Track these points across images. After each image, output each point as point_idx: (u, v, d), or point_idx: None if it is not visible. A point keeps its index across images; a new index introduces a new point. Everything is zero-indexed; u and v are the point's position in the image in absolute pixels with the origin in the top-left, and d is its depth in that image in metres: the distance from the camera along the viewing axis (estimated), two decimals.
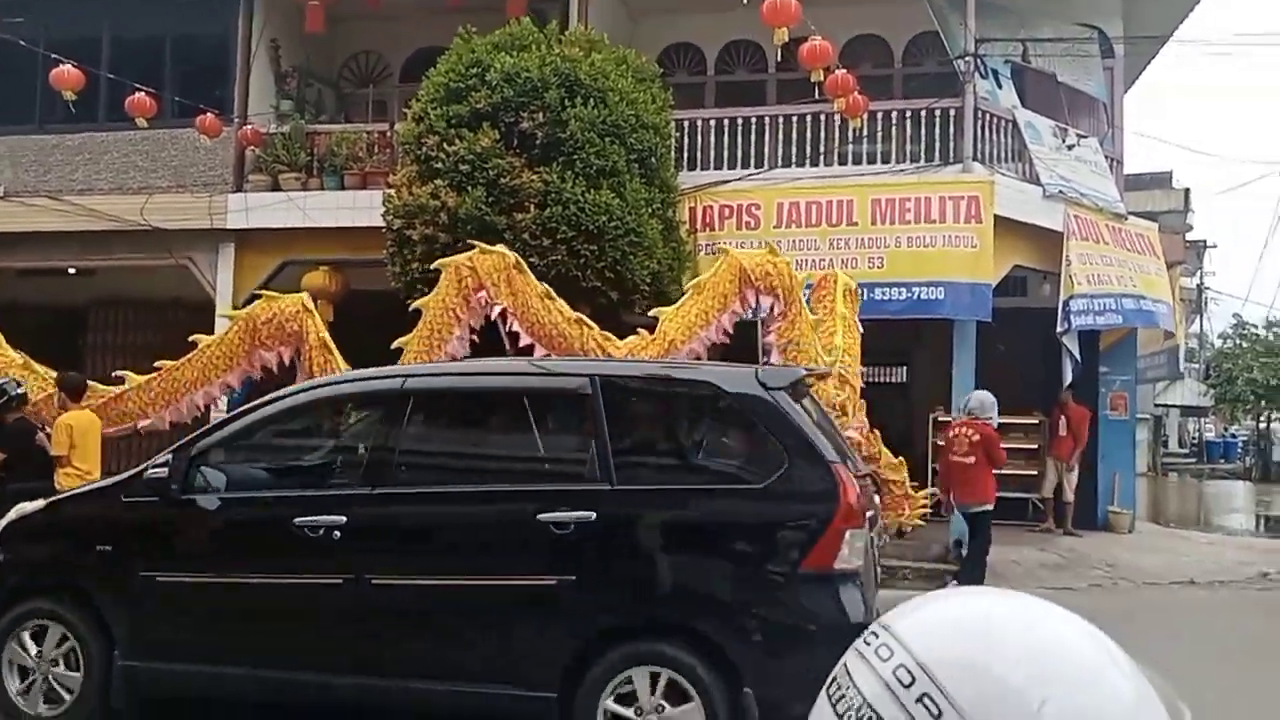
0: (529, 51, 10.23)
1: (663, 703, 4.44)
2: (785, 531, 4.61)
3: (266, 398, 5.65)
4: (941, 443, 10.75)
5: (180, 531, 5.29)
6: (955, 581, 9.19)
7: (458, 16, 11.19)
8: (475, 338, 8.39)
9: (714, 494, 4.81)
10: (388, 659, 4.84)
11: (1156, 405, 28.86)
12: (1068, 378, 11.78)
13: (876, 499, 5.41)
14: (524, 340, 8.15)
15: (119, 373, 9.27)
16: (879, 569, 5.41)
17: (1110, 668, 0.80)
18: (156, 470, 5.23)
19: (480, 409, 5.74)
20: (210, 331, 12.47)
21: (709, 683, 4.40)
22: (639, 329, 8.60)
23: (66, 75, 10.69)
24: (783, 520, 4.61)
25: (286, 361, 8.75)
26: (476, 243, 8.53)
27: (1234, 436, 40.70)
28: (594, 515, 4.64)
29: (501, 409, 5.64)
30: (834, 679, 0.83)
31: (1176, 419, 40.58)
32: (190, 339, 8.95)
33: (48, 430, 8.46)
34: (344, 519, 4.90)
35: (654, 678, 4.48)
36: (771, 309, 8.42)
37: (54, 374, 8.99)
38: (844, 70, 10.40)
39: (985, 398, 9.21)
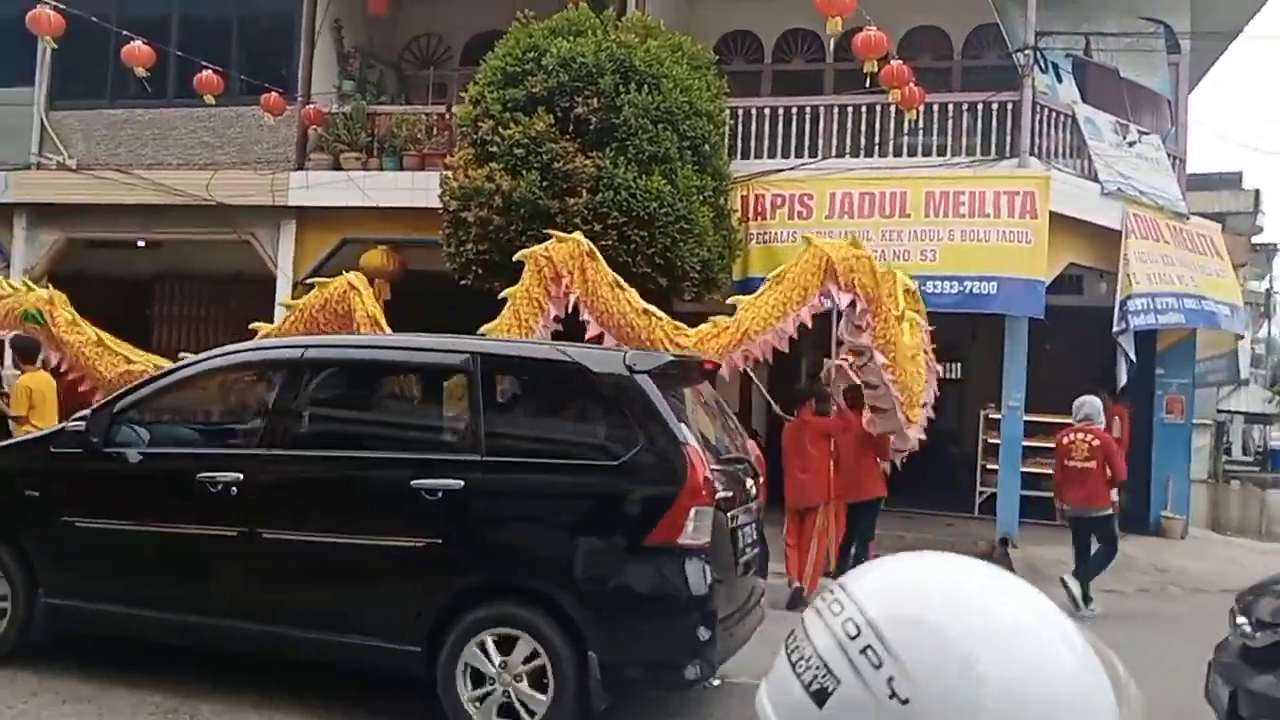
0: (585, 37, 10.30)
1: (508, 659, 4.84)
2: (636, 506, 4.92)
3: (182, 361, 6.21)
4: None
5: (97, 481, 5.74)
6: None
7: (517, 0, 11.30)
8: (560, 326, 8.42)
9: (573, 468, 5.14)
10: (275, 608, 5.25)
11: (1220, 411, 28.21)
12: (1123, 379, 11.62)
13: (751, 484, 5.63)
14: (593, 329, 8.19)
15: (183, 353, 9.52)
16: (763, 547, 5.87)
17: (1053, 637, 0.85)
18: (77, 425, 5.72)
19: (370, 380, 6.11)
20: (271, 306, 12.85)
21: (557, 644, 4.78)
22: (696, 317, 8.63)
23: (138, 52, 10.97)
24: (634, 495, 4.93)
25: None
26: (553, 232, 8.52)
27: None
28: (462, 484, 4.99)
29: (389, 381, 6.06)
30: (792, 634, 0.90)
31: (1241, 426, 39.63)
32: (250, 327, 9.11)
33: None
34: (240, 476, 5.31)
35: (509, 638, 4.85)
36: (853, 305, 8.31)
37: (126, 349, 9.24)
38: (900, 61, 10.33)
39: (1098, 403, 9.15)
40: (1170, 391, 12.85)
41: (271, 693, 5.39)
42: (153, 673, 5.60)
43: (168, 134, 13.87)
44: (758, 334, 8.24)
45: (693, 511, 4.76)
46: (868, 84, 10.92)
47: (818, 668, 0.85)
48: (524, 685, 4.84)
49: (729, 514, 5.19)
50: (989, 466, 12.72)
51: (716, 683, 5.21)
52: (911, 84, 10.49)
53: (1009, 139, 11.54)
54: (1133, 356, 11.51)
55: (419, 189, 11.88)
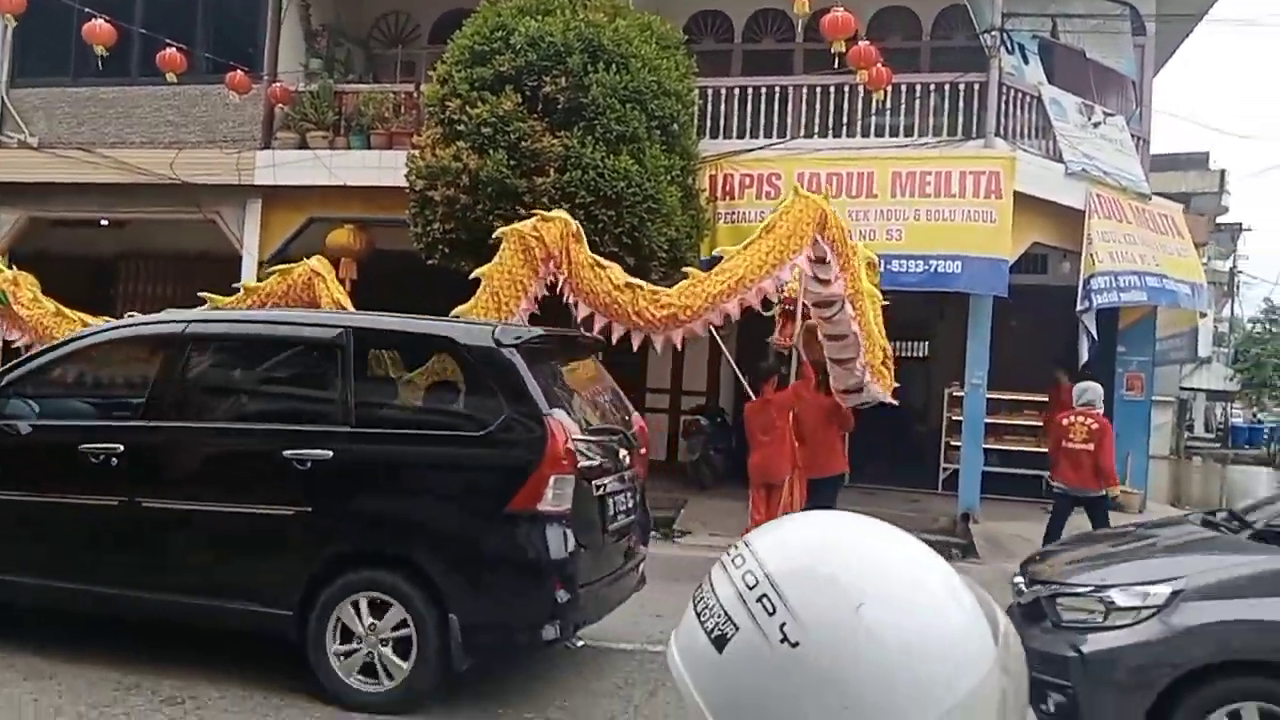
0: (553, 16, 10.28)
1: (377, 622, 5.07)
2: (498, 474, 5.13)
3: (70, 335, 6.34)
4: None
5: None
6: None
7: None
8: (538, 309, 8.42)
9: (440, 439, 5.35)
10: (156, 575, 5.41)
11: (1183, 389, 28.64)
12: (1084, 357, 11.77)
13: (625, 455, 5.80)
14: (583, 310, 8.16)
15: (131, 313, 9.48)
16: (643, 515, 6.13)
17: (937, 587, 0.91)
18: None
19: (249, 354, 6.26)
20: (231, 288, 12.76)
21: (421, 609, 5.01)
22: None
23: (99, 30, 10.85)
24: (496, 464, 5.14)
25: None
26: (538, 211, 8.42)
27: (1260, 422, 40.35)
28: (330, 454, 5.18)
29: (267, 355, 6.16)
30: (699, 587, 0.95)
31: (1204, 403, 40.25)
32: (199, 295, 9.06)
33: None
34: (121, 447, 5.47)
35: (383, 603, 5.04)
36: (823, 261, 8.36)
37: (84, 317, 9.19)
38: (868, 42, 10.38)
39: (1100, 390, 9.40)
40: (1130, 369, 13.05)
41: (225, 668, 5.44)
42: (110, 649, 5.64)
43: (131, 112, 13.72)
44: (754, 280, 8.18)
45: (553, 480, 4.97)
46: (836, 64, 10.99)
47: (719, 616, 0.91)
48: (388, 650, 5.07)
49: (596, 483, 5.39)
50: (953, 443, 12.89)
51: (580, 643, 5.47)
52: (879, 64, 10.55)
53: (975, 120, 11.63)
54: (1094, 334, 11.67)
55: (386, 168, 11.83)
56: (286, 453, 5.23)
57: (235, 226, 13.31)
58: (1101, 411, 9.37)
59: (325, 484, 5.22)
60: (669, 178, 10.22)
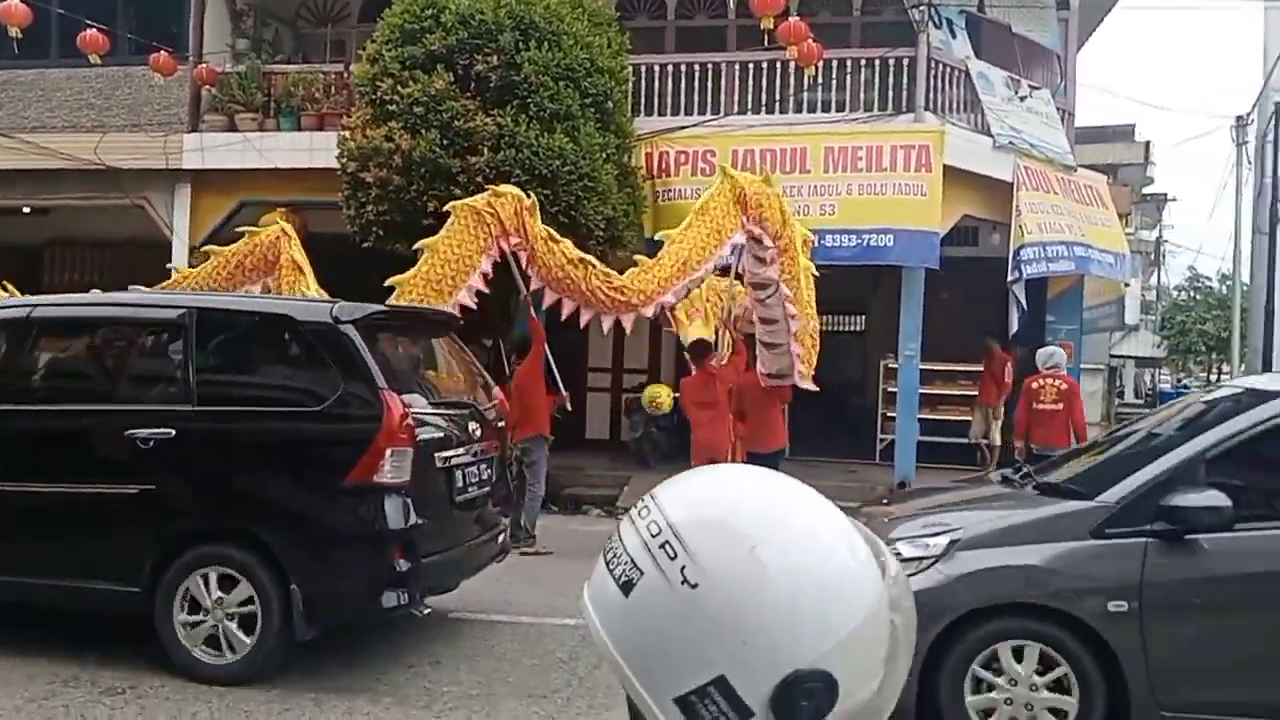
0: None
1: (225, 596, 5.19)
2: (336, 448, 5.26)
3: None
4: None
5: None
6: None
7: None
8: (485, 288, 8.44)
9: (279, 415, 5.47)
10: (11, 558, 5.48)
11: (1112, 356, 29.36)
12: (1014, 326, 12.05)
13: (475, 428, 5.93)
14: (535, 283, 8.24)
15: (94, 290, 9.32)
16: (502, 486, 6.35)
17: (827, 530, 0.98)
18: None
19: (94, 336, 6.31)
20: (168, 274, 12.56)
21: (265, 582, 5.13)
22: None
23: (13, 10, 10.53)
24: (334, 438, 5.28)
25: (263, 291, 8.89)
26: (494, 186, 8.44)
27: (1186, 387, 41.56)
28: (173, 432, 5.28)
29: (111, 336, 6.24)
30: (609, 540, 1.01)
31: (1133, 370, 41.33)
32: (168, 266, 9.05)
33: None
34: None
35: (221, 575, 5.19)
36: (759, 241, 8.46)
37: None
38: (797, 18, 10.47)
39: (1061, 351, 9.91)
40: (1059, 337, 13.36)
41: (167, 658, 5.40)
42: (46, 642, 5.56)
43: (52, 95, 13.36)
44: (700, 263, 8.32)
45: (389, 452, 5.09)
46: (766, 41, 11.07)
47: (626, 563, 0.96)
48: (233, 625, 5.18)
49: (440, 455, 5.51)
50: (889, 414, 13.13)
51: (427, 610, 5.58)
52: (809, 40, 10.63)
53: (905, 94, 11.80)
54: (1024, 304, 11.94)
55: (318, 149, 11.69)
56: (129, 432, 5.31)
57: (164, 211, 13.06)
58: (1066, 373, 9.74)
59: (168, 462, 5.31)
60: (604, 156, 10.24)
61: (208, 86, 12.79)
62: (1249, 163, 19.41)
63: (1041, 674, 4.40)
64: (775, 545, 0.94)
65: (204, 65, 12.72)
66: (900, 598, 1.01)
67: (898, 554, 4.50)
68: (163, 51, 12.20)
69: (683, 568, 0.94)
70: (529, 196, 8.32)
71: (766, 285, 8.51)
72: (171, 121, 13.03)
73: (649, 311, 8.51)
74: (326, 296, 8.08)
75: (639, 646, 0.96)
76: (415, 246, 8.40)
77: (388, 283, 8.33)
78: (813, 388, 9.06)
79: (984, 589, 4.48)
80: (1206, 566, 4.31)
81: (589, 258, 8.25)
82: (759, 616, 0.92)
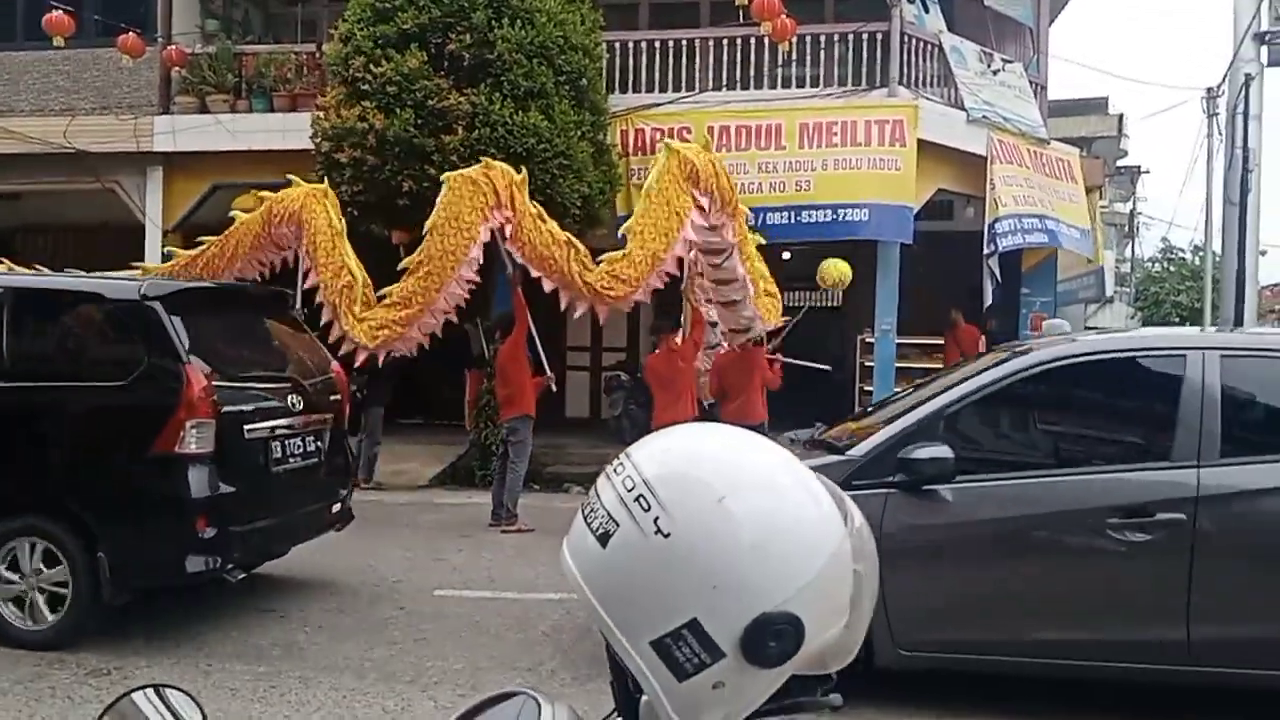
0: None
1: (41, 566, 5.45)
2: (140, 421, 5.48)
3: None
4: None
5: None
6: None
7: None
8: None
9: (87, 389, 5.68)
10: None
11: (1088, 328, 29.66)
12: (989, 299, 12.15)
13: (296, 401, 6.16)
14: (518, 259, 8.26)
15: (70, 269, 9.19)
16: (338, 457, 6.58)
17: (792, 482, 1.02)
18: None
19: None
20: (142, 256, 12.49)
21: (73, 548, 5.41)
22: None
23: None
24: (139, 411, 5.51)
25: (290, 261, 8.82)
26: (486, 159, 8.44)
27: None
28: None
29: None
30: (587, 499, 1.05)
31: None
32: (133, 263, 8.92)
33: None
34: None
35: (34, 546, 5.48)
36: (709, 210, 8.50)
37: None
38: None
39: (1064, 323, 10.52)
40: (1034, 309, 13.49)
41: (151, 638, 5.43)
42: None
43: (19, 78, 13.20)
44: (666, 251, 8.34)
45: (190, 424, 5.36)
46: (741, 17, 11.07)
47: (603, 517, 1.01)
48: (42, 599, 5.43)
49: (253, 426, 5.77)
50: (866, 389, 13.22)
51: (240, 575, 5.80)
52: (783, 16, 10.65)
53: (879, 69, 11.83)
54: (998, 277, 12.04)
55: (291, 130, 11.61)
56: None
57: (136, 195, 12.96)
58: None
59: None
60: (579, 133, 10.23)
61: (177, 68, 12.66)
62: (1220, 134, 19.56)
63: None
64: (742, 496, 0.99)
65: (173, 46, 12.59)
66: (863, 546, 1.06)
67: None
68: (131, 33, 12.07)
69: (656, 519, 0.98)
70: (520, 171, 8.32)
71: (722, 250, 8.56)
72: (141, 104, 12.90)
73: (625, 306, 8.58)
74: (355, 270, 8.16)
75: (616, 594, 1.00)
76: (426, 227, 8.26)
77: (401, 266, 8.29)
78: (772, 325, 9.13)
79: None
80: (941, 514, 4.54)
81: (575, 242, 8.26)
82: (728, 562, 0.97)
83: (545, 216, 8.22)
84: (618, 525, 1.00)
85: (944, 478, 4.46)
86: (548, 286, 8.37)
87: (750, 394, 9.09)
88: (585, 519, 1.04)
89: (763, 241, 10.05)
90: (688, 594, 0.97)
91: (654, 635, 0.98)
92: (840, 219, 11.33)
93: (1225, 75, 17.92)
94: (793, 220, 11.19)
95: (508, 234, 8.21)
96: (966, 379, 4.93)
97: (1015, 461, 4.98)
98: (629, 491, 1.00)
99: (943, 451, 4.44)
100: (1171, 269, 34.88)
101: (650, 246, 8.31)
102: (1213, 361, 4.58)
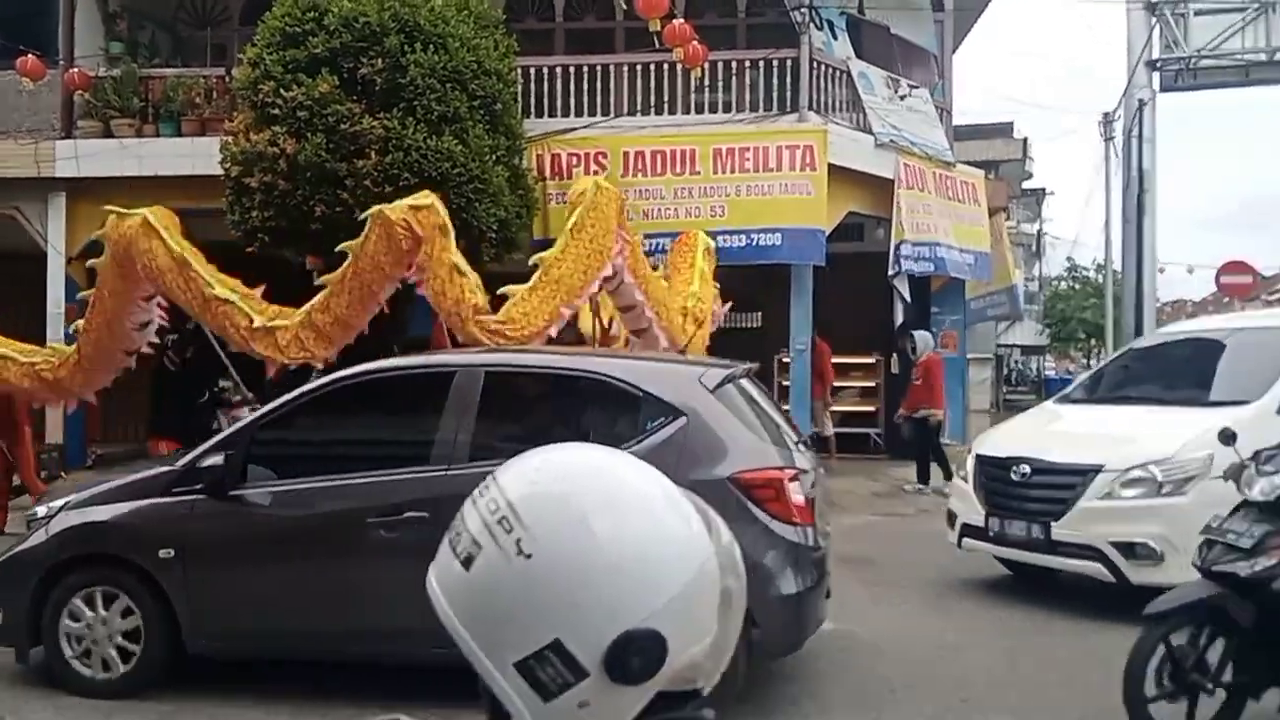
0: None
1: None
2: None
3: None
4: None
5: None
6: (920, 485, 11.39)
7: None
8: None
9: None
10: None
11: (1000, 345, 30.42)
12: (899, 319, 12.43)
13: None
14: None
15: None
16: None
17: (656, 498, 1.05)
18: None
19: None
20: (44, 286, 12.14)
21: None
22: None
23: None
24: None
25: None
26: (424, 191, 8.18)
27: (1070, 374, 43.24)
28: None
29: None
30: (454, 524, 1.07)
31: (1018, 358, 42.77)
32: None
33: None
34: None
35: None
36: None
37: None
38: (681, 20, 10.62)
39: (929, 337, 11.79)
40: (944, 327, 13.83)
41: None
42: None
43: None
44: (582, 288, 8.21)
45: None
46: (656, 43, 11.21)
47: (468, 541, 1.03)
48: None
49: None
50: (785, 408, 13.35)
51: None
52: (694, 42, 10.81)
53: (789, 95, 12.07)
54: (907, 297, 12.32)
55: (200, 155, 11.40)
56: None
57: (38, 222, 12.58)
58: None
59: None
60: (494, 158, 10.21)
61: (81, 91, 12.35)
62: (1117, 156, 20.32)
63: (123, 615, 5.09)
64: (605, 514, 1.02)
65: (76, 69, 12.28)
66: (731, 563, 1.10)
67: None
68: (30, 55, 11.75)
69: (518, 540, 1.01)
70: (443, 213, 7.91)
71: (612, 276, 8.52)
72: (43, 128, 12.56)
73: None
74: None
75: (480, 616, 1.02)
76: (339, 249, 8.07)
77: (317, 281, 8.12)
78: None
79: (73, 544, 5.19)
80: (237, 517, 5.04)
81: (479, 301, 7.94)
82: (589, 581, 1.00)
83: (464, 269, 7.96)
84: (480, 548, 1.02)
85: (223, 484, 4.99)
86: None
87: None
88: (451, 544, 1.06)
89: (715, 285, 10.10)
90: (549, 614, 0.99)
91: (517, 657, 1.00)
92: (754, 244, 11.53)
93: (1120, 100, 18.66)
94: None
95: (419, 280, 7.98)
96: (290, 395, 5.45)
97: (312, 468, 5.31)
98: (492, 514, 1.03)
99: (216, 459, 5.03)
100: (1076, 287, 36.01)
101: (564, 283, 8.12)
102: (475, 377, 5.10)
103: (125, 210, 8.15)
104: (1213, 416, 5.87)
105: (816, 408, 13.04)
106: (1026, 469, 6.56)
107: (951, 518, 7.30)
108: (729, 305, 11.15)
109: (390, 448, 5.44)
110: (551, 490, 1.04)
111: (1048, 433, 7.23)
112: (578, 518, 1.01)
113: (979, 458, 7.10)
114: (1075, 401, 7.91)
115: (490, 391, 5.08)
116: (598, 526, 1.01)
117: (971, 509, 6.94)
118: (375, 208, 7.90)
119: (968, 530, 7.00)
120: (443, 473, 4.88)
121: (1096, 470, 6.23)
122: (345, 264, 7.94)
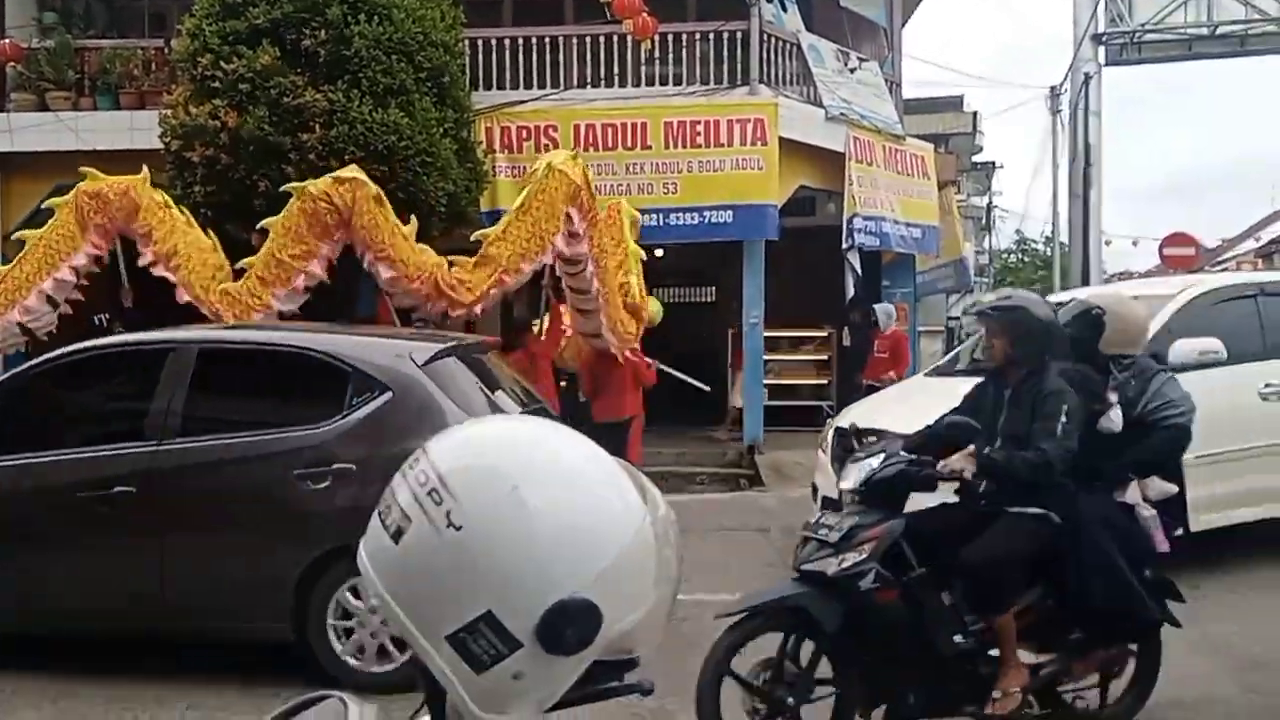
0: None
1: None
2: None
3: None
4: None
5: None
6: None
7: None
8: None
9: None
10: None
11: (950, 318, 30.76)
12: (850, 292, 12.48)
13: None
14: (385, 275, 7.99)
15: None
16: None
17: (588, 468, 1.03)
18: None
19: None
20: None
21: None
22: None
23: None
24: None
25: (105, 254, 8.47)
26: (342, 172, 8.20)
27: None
28: None
29: None
30: (383, 498, 1.03)
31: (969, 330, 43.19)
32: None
33: None
34: None
35: None
36: (573, 218, 8.44)
37: None
38: None
39: (888, 309, 12.07)
40: (895, 300, 13.92)
41: None
42: None
43: None
44: (514, 273, 8.23)
45: None
46: (608, 14, 11.11)
47: (398, 514, 1.00)
48: None
49: None
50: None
51: None
52: (644, 14, 10.73)
53: (740, 68, 12.03)
54: (859, 270, 12.38)
55: (140, 129, 11.14)
56: None
57: None
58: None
59: None
60: (441, 130, 10.07)
61: (13, 63, 11.99)
62: (1063, 129, 20.56)
63: None
64: (536, 485, 1.00)
65: (7, 40, 11.93)
66: (667, 533, 1.08)
67: None
68: None
69: (448, 512, 0.98)
70: (371, 186, 8.03)
71: (578, 260, 8.51)
72: None
73: (467, 313, 8.51)
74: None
75: (410, 590, 0.99)
76: (258, 226, 8.10)
77: (238, 265, 8.10)
78: (624, 354, 9.03)
79: None
80: None
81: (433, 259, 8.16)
82: (520, 552, 0.97)
83: (399, 228, 8.05)
84: (410, 521, 0.99)
85: None
86: (404, 301, 8.26)
87: (619, 390, 9.12)
88: (380, 518, 1.03)
89: (642, 255, 9.94)
90: (480, 586, 0.97)
91: (449, 630, 0.97)
92: (706, 221, 11.52)
93: (1067, 74, 18.88)
94: (661, 223, 11.30)
95: (366, 258, 8.02)
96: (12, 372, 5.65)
97: (31, 444, 5.34)
98: (421, 486, 1.00)
99: None
100: (1026, 259, 36.50)
101: (500, 263, 8.19)
102: (189, 354, 5.23)
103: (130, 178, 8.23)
104: None
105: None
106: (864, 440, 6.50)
107: (815, 491, 7.32)
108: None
109: (107, 424, 5.62)
110: (481, 462, 1.02)
111: (902, 405, 7.15)
112: (508, 489, 0.99)
113: (835, 429, 7.02)
114: (943, 374, 7.96)
115: (202, 368, 5.21)
116: (528, 497, 0.99)
117: (829, 482, 6.75)
118: (298, 184, 7.91)
119: (827, 503, 6.80)
120: (153, 448, 5.02)
121: None
122: (266, 242, 7.92)
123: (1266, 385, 5.58)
